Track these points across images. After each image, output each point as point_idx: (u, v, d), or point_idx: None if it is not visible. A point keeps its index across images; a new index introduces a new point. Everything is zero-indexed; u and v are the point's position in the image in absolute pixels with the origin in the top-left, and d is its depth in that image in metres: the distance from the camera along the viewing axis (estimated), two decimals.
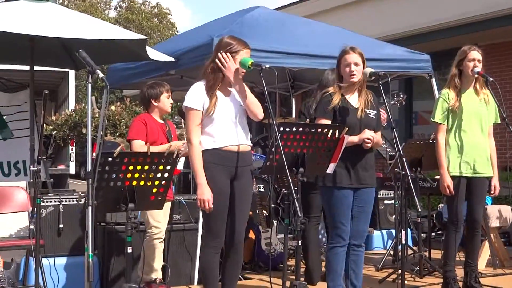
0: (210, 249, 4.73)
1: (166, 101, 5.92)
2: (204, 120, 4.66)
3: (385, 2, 12.72)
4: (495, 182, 5.91)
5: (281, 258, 6.63)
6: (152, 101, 5.86)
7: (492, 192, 5.93)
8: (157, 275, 5.80)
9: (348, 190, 5.00)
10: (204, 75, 4.74)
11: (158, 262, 5.82)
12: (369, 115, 5.09)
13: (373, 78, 4.99)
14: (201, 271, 4.88)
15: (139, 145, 5.66)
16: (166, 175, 4.33)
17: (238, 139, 4.70)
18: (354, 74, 5.02)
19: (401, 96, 7.49)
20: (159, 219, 5.76)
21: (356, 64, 5.02)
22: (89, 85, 4.22)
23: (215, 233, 4.68)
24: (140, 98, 6.24)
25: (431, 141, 6.55)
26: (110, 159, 4.07)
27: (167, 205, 5.92)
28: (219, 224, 4.68)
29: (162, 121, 5.97)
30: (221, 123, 4.66)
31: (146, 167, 4.22)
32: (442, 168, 5.77)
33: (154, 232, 5.75)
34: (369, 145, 5.00)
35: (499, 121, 5.97)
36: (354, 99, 5.12)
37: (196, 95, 4.67)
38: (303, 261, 6.35)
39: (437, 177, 6.52)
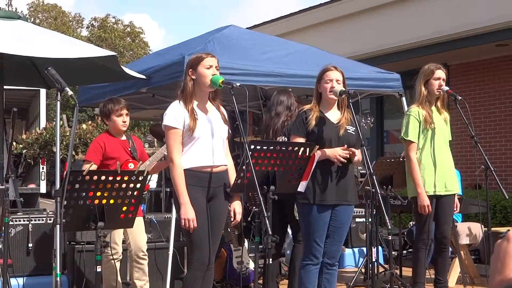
0: (196, 272, 4.65)
1: (117, 120, 5.73)
2: (183, 139, 4.62)
3: (356, 22, 12.82)
4: (456, 199, 5.97)
5: (253, 277, 6.60)
6: (104, 119, 5.80)
7: (455, 209, 5.97)
8: None
9: (326, 207, 4.99)
10: (180, 93, 4.68)
11: (117, 281, 5.71)
12: (348, 131, 5.10)
13: (343, 96, 5.02)
14: None
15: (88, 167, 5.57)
16: (136, 193, 4.29)
17: (213, 159, 4.67)
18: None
19: (369, 119, 7.47)
20: (117, 241, 5.67)
21: (337, 81, 5.04)
22: (58, 103, 4.21)
23: (201, 254, 4.62)
24: None
25: (401, 159, 6.58)
26: (79, 177, 4.04)
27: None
28: (204, 244, 4.63)
29: (124, 138, 5.87)
30: (198, 142, 4.62)
31: (116, 186, 4.17)
32: (419, 187, 5.71)
33: (113, 252, 5.65)
34: (343, 160, 4.96)
35: (451, 139, 6.03)
36: (333, 116, 5.13)
37: (175, 114, 4.62)
38: (288, 283, 6.15)
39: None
